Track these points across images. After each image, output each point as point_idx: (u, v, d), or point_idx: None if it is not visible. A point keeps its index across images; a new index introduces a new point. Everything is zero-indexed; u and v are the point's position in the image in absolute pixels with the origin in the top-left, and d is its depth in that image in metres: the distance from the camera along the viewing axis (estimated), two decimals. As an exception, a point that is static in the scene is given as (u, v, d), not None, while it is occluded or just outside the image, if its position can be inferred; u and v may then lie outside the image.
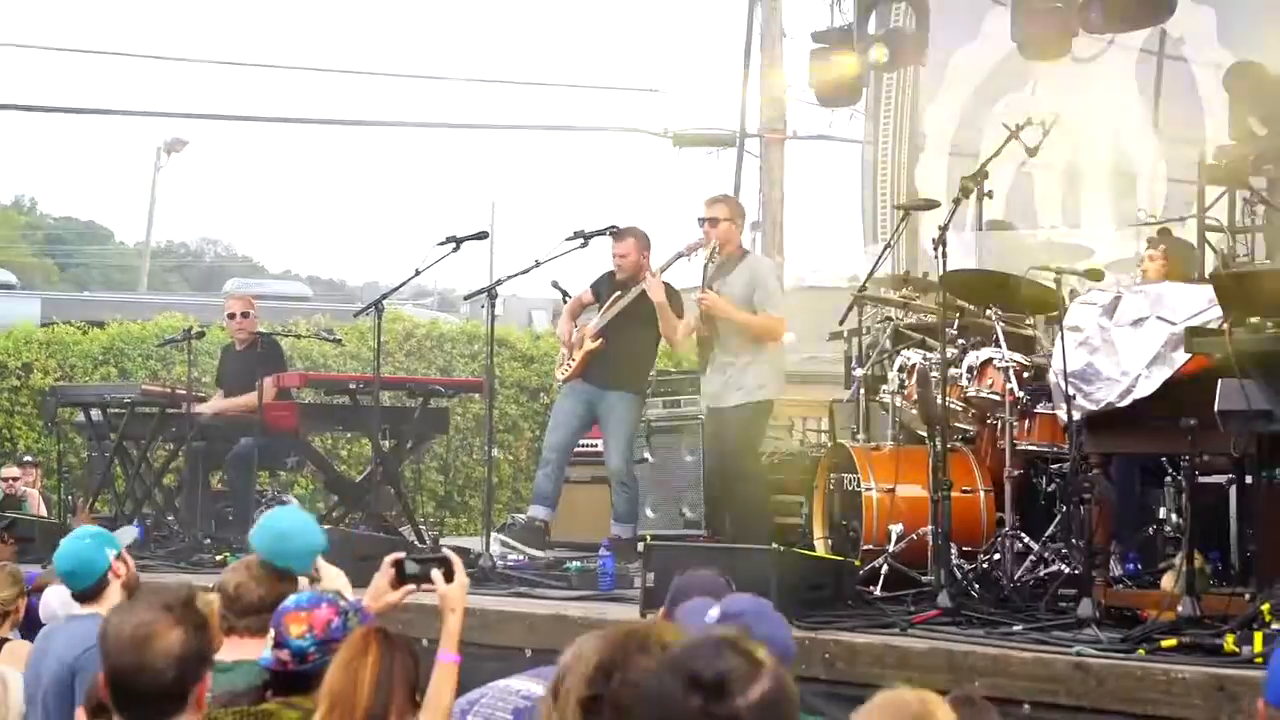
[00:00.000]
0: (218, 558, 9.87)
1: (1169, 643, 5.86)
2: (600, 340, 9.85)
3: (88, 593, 5.66)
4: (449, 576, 4.57)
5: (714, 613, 4.29)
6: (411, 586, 4.64)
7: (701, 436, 10.28)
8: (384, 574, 4.66)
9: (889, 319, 9.52)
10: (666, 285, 9.76)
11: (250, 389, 10.55)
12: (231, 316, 11.31)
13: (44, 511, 13.81)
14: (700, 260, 9.37)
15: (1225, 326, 6.00)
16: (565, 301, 10.43)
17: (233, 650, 4.64)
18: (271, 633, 4.26)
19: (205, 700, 3.61)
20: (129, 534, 7.30)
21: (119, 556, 5.77)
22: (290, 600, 4.37)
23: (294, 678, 4.22)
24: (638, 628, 3.50)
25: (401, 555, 4.70)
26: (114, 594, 5.71)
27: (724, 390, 9.05)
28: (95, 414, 11.70)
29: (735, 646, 2.52)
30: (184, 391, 11.17)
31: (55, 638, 5.57)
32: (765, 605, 4.49)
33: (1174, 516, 7.77)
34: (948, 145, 13.75)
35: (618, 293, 9.91)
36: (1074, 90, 12.27)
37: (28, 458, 15.10)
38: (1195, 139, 10.66)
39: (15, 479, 14.32)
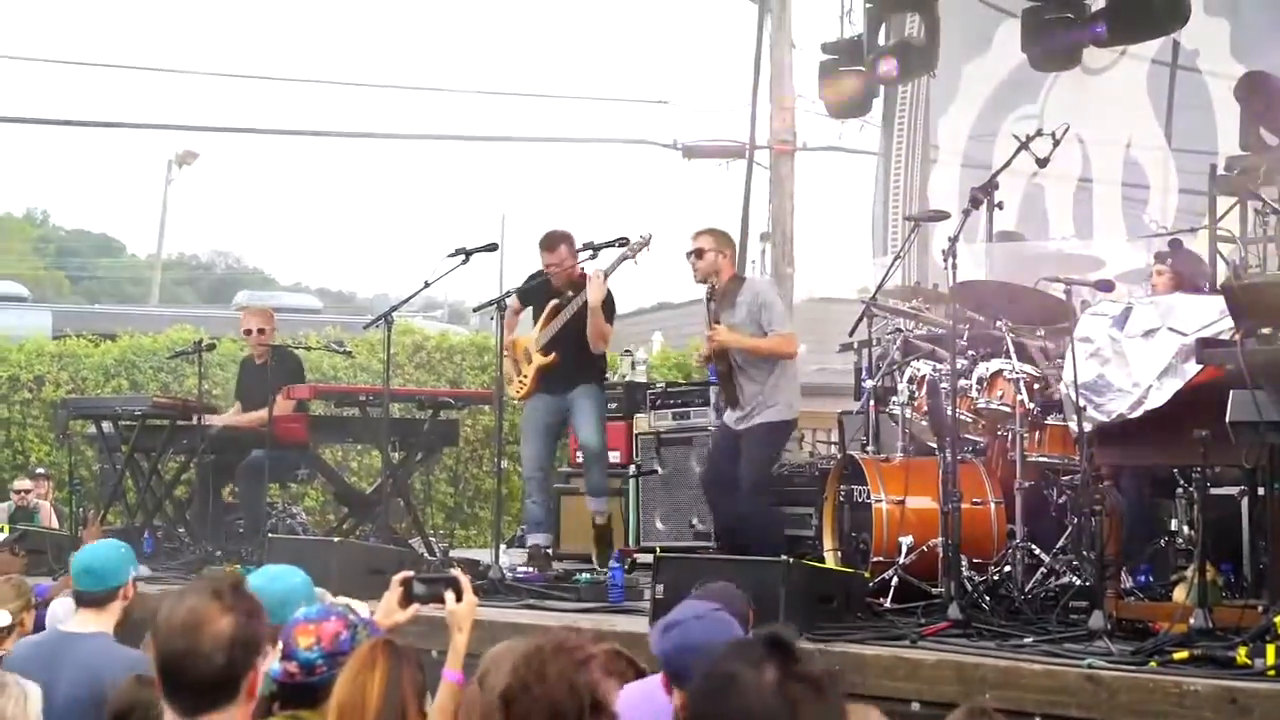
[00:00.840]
0: (227, 569, 9.86)
1: (1181, 655, 5.84)
2: (551, 355, 9.83)
3: (95, 597, 5.64)
4: (458, 596, 4.57)
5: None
6: (419, 606, 4.63)
7: (709, 448, 10.26)
8: (393, 592, 4.66)
9: (899, 330, 9.50)
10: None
11: (268, 402, 10.56)
12: (247, 333, 11.27)
13: (56, 524, 13.83)
14: (644, 261, 9.53)
15: (1237, 337, 5.98)
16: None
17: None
18: (280, 644, 4.26)
19: (257, 691, 3.60)
20: (143, 570, 7.38)
21: (134, 580, 5.79)
22: (300, 612, 4.36)
23: (301, 690, 4.21)
24: (557, 641, 3.51)
25: (410, 574, 4.70)
26: (115, 611, 5.70)
27: (754, 412, 9.02)
28: (106, 426, 11.70)
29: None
30: (195, 404, 11.17)
31: (71, 653, 5.50)
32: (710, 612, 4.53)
33: (1185, 528, 7.75)
34: (960, 157, 13.74)
35: (555, 301, 9.85)
36: (1085, 101, 12.26)
37: (39, 470, 15.13)
38: (1208, 150, 10.63)
39: (27, 491, 14.36)
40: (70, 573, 6.54)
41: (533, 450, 10.02)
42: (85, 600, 5.69)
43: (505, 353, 10.00)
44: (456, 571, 4.75)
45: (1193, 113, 11.68)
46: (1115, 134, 12.38)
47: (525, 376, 9.90)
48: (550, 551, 10.01)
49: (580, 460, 10.70)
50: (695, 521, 10.88)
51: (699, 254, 9.15)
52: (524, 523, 10.47)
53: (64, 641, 5.61)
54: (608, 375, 10.73)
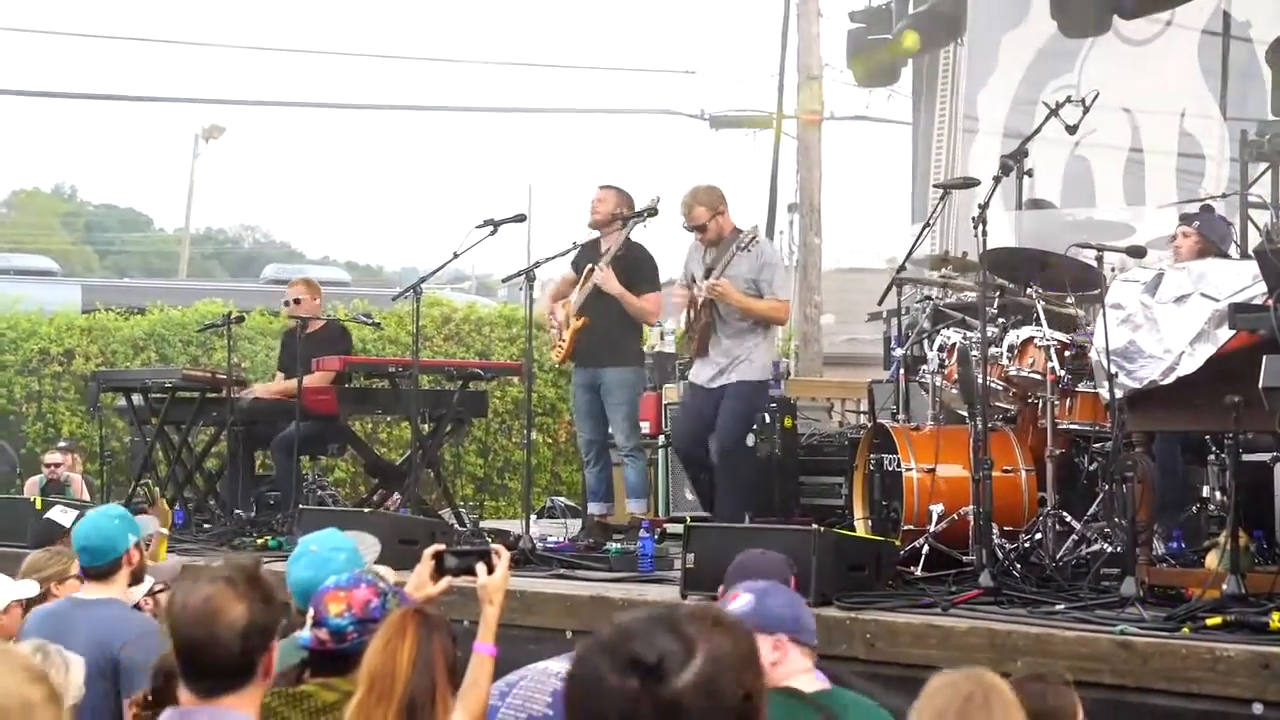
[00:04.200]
0: (259, 540, 9.91)
1: (1213, 621, 5.82)
2: (583, 319, 9.80)
3: (98, 571, 5.68)
4: (490, 569, 4.56)
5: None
6: (451, 579, 4.63)
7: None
8: (425, 565, 4.66)
9: (928, 298, 9.47)
10: (637, 246, 9.76)
11: (309, 372, 10.58)
12: (297, 302, 11.18)
13: (87, 496, 13.88)
14: (653, 225, 9.55)
15: (1270, 302, 5.94)
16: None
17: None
18: (311, 611, 4.27)
19: (274, 667, 3.66)
20: (150, 524, 7.39)
21: (137, 545, 5.81)
22: (330, 580, 4.37)
23: (332, 657, 4.22)
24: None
25: (442, 548, 4.70)
26: (122, 579, 5.73)
27: (728, 370, 9.02)
28: (137, 399, 11.74)
29: (670, 626, 2.42)
30: (224, 376, 11.19)
31: (78, 623, 5.52)
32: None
33: (1218, 494, 7.73)
34: (1001, 128, 13.71)
35: (590, 265, 9.84)
36: (1130, 72, 12.22)
37: (64, 444, 15.19)
38: (1262, 119, 10.57)
39: (58, 465, 14.41)
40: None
41: (585, 435, 10.09)
42: (89, 574, 5.73)
43: (553, 320, 10.01)
44: (498, 546, 4.72)
45: (1246, 82, 11.63)
46: (1166, 105, 12.33)
47: (563, 340, 9.91)
48: (608, 520, 9.99)
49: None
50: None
51: (701, 229, 9.14)
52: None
53: (75, 609, 5.65)
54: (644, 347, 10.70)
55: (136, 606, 6.04)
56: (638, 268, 9.75)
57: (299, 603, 4.55)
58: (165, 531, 8.50)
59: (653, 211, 9.62)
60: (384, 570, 5.05)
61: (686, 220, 9.20)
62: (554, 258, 9.97)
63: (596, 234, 9.95)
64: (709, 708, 2.36)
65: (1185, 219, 8.51)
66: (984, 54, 13.75)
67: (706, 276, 9.08)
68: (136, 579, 5.87)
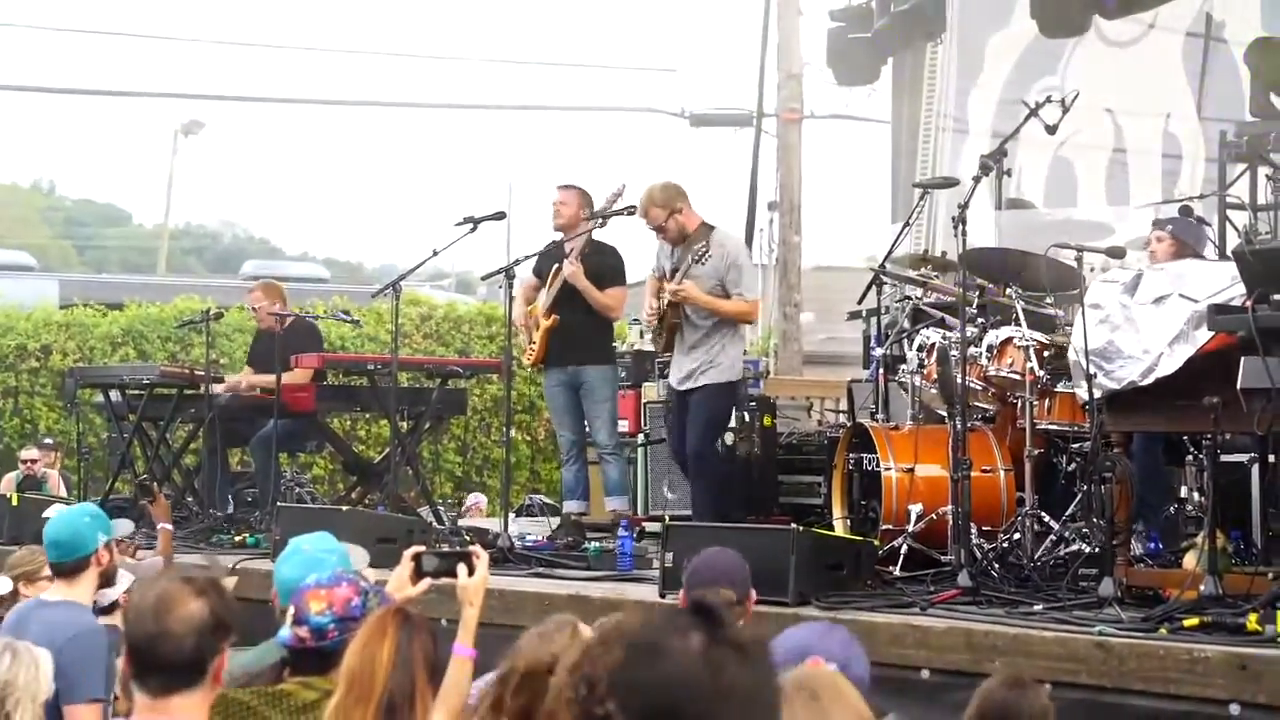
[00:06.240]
0: (236, 538, 9.88)
1: (1191, 622, 5.84)
2: (553, 317, 9.81)
3: (65, 568, 5.65)
4: (470, 570, 4.56)
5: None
6: (430, 581, 4.62)
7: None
8: (404, 567, 4.65)
9: (908, 298, 9.47)
10: (604, 244, 9.79)
11: (287, 369, 10.56)
12: (254, 310, 11.25)
13: (64, 493, 13.85)
14: (621, 216, 9.50)
15: (1248, 304, 5.96)
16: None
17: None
18: (291, 610, 4.26)
19: (223, 676, 3.66)
20: (125, 526, 7.35)
21: (108, 545, 5.78)
22: (311, 578, 4.36)
23: (313, 655, 4.21)
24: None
25: (421, 549, 4.69)
26: (90, 579, 5.70)
27: (698, 371, 9.02)
28: (114, 395, 11.71)
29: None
30: (202, 373, 11.17)
31: (29, 625, 5.50)
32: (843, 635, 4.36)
33: (1196, 495, 7.75)
34: (990, 129, 13.75)
35: (557, 265, 9.85)
36: (1113, 73, 12.25)
37: (47, 440, 15.15)
38: (1237, 120, 10.61)
39: (35, 461, 14.38)
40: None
41: (565, 436, 10.07)
42: (57, 571, 5.70)
43: (522, 323, 10.00)
44: (476, 547, 4.72)
45: (1223, 83, 11.68)
46: (1149, 106, 12.36)
47: (534, 343, 9.90)
48: (584, 518, 9.99)
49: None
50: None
51: (661, 230, 9.13)
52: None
53: (35, 608, 5.63)
54: (616, 345, 10.71)
55: (114, 605, 6.02)
56: (604, 265, 9.76)
57: (284, 602, 4.54)
58: (170, 527, 8.50)
59: (631, 210, 9.61)
60: (366, 571, 5.04)
61: (645, 222, 9.20)
62: (534, 255, 9.96)
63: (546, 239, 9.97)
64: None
65: (1158, 224, 8.52)
66: (972, 55, 13.78)
67: (672, 275, 9.08)
68: (107, 581, 5.84)
